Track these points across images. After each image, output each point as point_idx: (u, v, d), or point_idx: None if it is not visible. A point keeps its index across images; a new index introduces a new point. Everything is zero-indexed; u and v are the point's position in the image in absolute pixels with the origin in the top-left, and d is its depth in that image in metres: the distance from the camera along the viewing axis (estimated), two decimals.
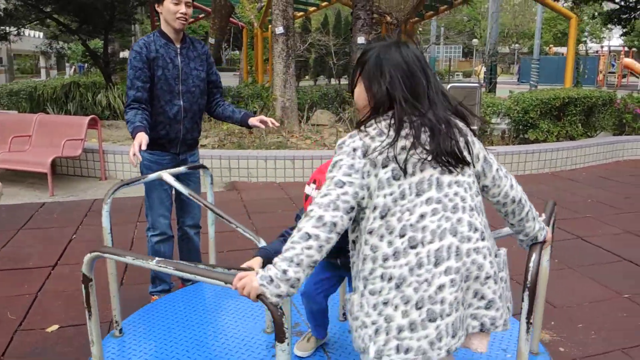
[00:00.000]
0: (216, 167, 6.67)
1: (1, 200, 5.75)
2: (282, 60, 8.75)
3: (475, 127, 1.70)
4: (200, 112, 3.11)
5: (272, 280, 1.37)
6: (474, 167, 1.55)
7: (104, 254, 1.92)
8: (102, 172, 6.81)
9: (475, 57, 43.21)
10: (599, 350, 2.76)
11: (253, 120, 3.02)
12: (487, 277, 1.49)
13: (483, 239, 1.50)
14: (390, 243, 1.43)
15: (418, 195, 1.45)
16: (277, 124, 3.04)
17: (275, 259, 1.40)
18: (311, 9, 17.21)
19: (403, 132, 1.46)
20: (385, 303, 1.43)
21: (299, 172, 6.66)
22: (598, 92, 8.34)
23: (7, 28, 11.72)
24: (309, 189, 2.02)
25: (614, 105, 8.59)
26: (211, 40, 10.90)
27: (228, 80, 16.91)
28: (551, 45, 38.22)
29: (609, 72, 30.28)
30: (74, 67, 30.96)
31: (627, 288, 3.53)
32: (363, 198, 1.46)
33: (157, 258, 1.67)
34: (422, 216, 1.44)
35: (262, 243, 2.50)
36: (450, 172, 1.49)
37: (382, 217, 1.44)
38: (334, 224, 1.40)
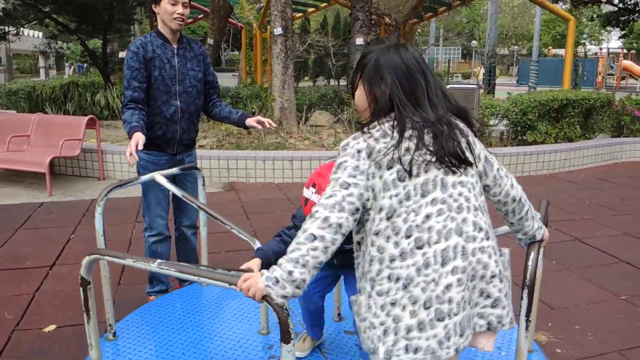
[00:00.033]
0: (214, 168, 6.67)
1: None
2: (281, 61, 8.75)
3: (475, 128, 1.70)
4: (197, 112, 3.11)
5: (277, 282, 1.37)
6: (476, 167, 1.57)
7: (103, 257, 1.89)
8: (101, 172, 6.81)
9: (474, 59, 43.25)
10: (595, 352, 2.77)
11: (250, 121, 3.03)
12: (493, 276, 1.51)
13: (488, 238, 1.51)
14: (396, 244, 1.44)
15: (423, 196, 1.46)
16: (275, 125, 3.05)
17: (281, 260, 1.40)
18: (310, 10, 17.22)
19: (406, 134, 1.47)
20: (393, 303, 1.44)
21: (298, 173, 6.66)
22: (596, 94, 8.35)
23: (6, 28, 11.71)
24: (308, 193, 2.02)
25: (612, 107, 8.60)
26: (210, 41, 10.90)
27: (227, 80, 16.91)
28: (550, 47, 38.26)
29: (608, 74, 30.32)
30: (73, 67, 30.93)
31: (624, 290, 3.54)
32: (368, 199, 1.46)
33: (158, 260, 1.66)
34: (427, 217, 1.45)
35: (257, 244, 2.50)
36: (454, 172, 1.50)
37: (388, 219, 1.45)
38: (340, 225, 1.40)
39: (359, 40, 9.74)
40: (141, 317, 2.88)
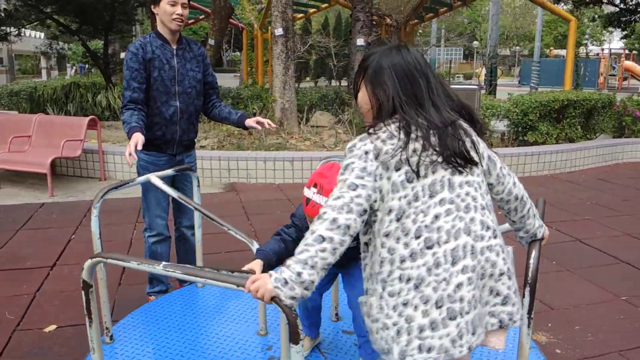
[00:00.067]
0: (215, 168, 6.67)
1: None
2: (282, 62, 8.76)
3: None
4: (197, 113, 3.11)
5: (286, 283, 1.37)
6: (481, 166, 1.58)
7: (106, 260, 1.85)
8: (102, 173, 6.82)
9: (475, 59, 43.24)
10: (595, 353, 2.77)
11: (250, 121, 3.03)
12: (501, 274, 1.53)
13: (495, 237, 1.53)
14: (406, 245, 1.45)
15: (431, 196, 1.47)
16: (274, 125, 3.05)
17: (289, 261, 1.40)
18: (311, 10, 17.23)
19: (413, 135, 1.47)
20: (405, 304, 1.44)
21: (298, 174, 6.66)
22: (597, 95, 8.35)
23: (8, 28, 11.73)
24: (310, 193, 2.02)
25: (613, 108, 8.60)
26: (211, 42, 10.91)
27: (229, 81, 16.92)
28: (552, 48, 38.24)
29: (610, 75, 30.28)
30: (74, 67, 30.99)
31: (624, 290, 3.53)
32: (375, 201, 1.47)
33: (163, 263, 1.65)
34: (436, 217, 1.46)
35: (255, 244, 2.50)
36: (460, 172, 1.51)
37: (397, 220, 1.46)
38: (348, 227, 1.40)
39: (360, 41, 9.75)
40: (140, 318, 2.88)
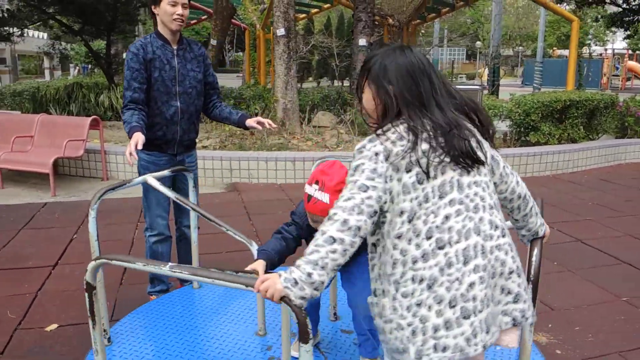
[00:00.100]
0: (217, 168, 6.68)
1: (1, 200, 5.78)
2: (284, 62, 8.76)
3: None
4: (197, 113, 3.12)
5: (296, 283, 1.38)
6: (487, 165, 1.59)
7: (110, 261, 1.82)
8: (104, 173, 6.84)
9: (478, 60, 43.18)
10: (595, 353, 2.76)
11: (250, 122, 3.04)
12: (511, 272, 1.54)
13: (503, 236, 1.54)
14: (417, 245, 1.46)
15: (441, 197, 1.48)
16: (275, 125, 3.06)
17: (299, 262, 1.41)
18: (313, 10, 17.23)
19: (421, 136, 1.48)
20: (418, 304, 1.45)
21: (300, 174, 6.67)
22: (600, 95, 8.33)
23: (10, 29, 11.77)
24: (311, 190, 2.02)
25: (616, 108, 8.58)
26: (213, 42, 10.92)
27: (231, 81, 16.93)
28: (555, 48, 38.17)
29: (613, 75, 30.20)
30: (77, 67, 31.06)
31: (626, 291, 3.53)
32: (385, 202, 1.48)
33: (170, 263, 1.64)
34: (446, 217, 1.47)
35: (254, 245, 2.51)
36: (468, 172, 1.52)
37: (409, 221, 1.47)
38: (359, 228, 1.41)
39: (362, 41, 9.75)
40: (139, 318, 2.89)
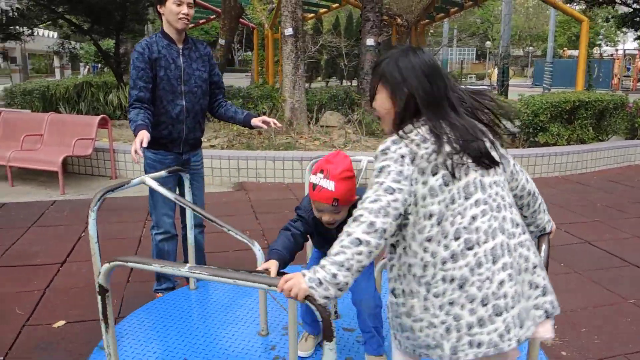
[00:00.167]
0: (225, 168, 6.71)
1: (10, 198, 5.84)
2: (291, 62, 8.78)
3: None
4: (203, 112, 3.14)
5: (321, 283, 1.39)
6: (501, 164, 1.60)
7: (126, 263, 1.77)
8: (113, 171, 6.88)
9: (488, 60, 43.00)
10: (600, 355, 2.75)
11: (255, 121, 3.05)
12: (535, 267, 1.57)
13: (524, 233, 1.58)
14: (446, 247, 1.48)
15: (467, 198, 1.49)
16: (280, 125, 3.07)
17: (323, 262, 1.42)
18: (322, 10, 17.23)
19: (444, 138, 1.49)
20: (451, 303, 1.47)
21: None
22: (609, 96, 8.27)
23: (20, 28, 11.86)
24: (316, 179, 2.05)
25: (625, 109, 8.52)
26: (221, 42, 10.95)
27: (240, 81, 16.98)
28: (565, 48, 37.92)
29: (624, 76, 29.98)
30: (87, 66, 31.25)
31: (633, 293, 3.51)
32: (410, 205, 1.49)
33: (188, 264, 1.64)
34: (473, 218, 1.48)
35: (256, 245, 2.52)
36: (489, 173, 1.54)
37: (438, 224, 1.49)
38: (384, 230, 1.42)
39: (370, 41, 9.74)
40: (144, 316, 2.90)
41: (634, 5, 13.60)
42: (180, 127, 3.01)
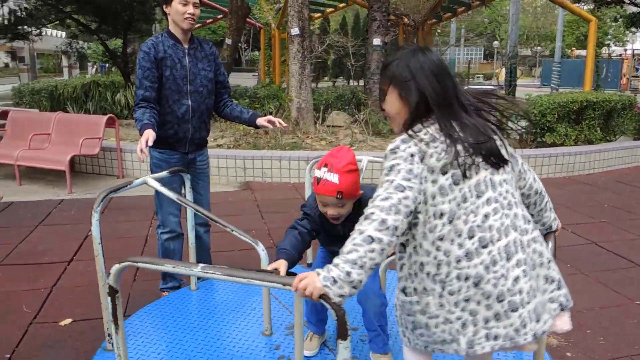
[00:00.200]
0: (231, 167, 6.73)
1: (18, 197, 5.88)
2: (298, 62, 8.78)
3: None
4: (208, 111, 3.15)
5: (335, 282, 1.40)
6: (510, 163, 1.61)
7: (137, 264, 1.75)
8: (120, 171, 6.92)
9: (496, 60, 42.83)
10: (605, 357, 2.74)
11: (261, 120, 3.06)
12: (549, 261, 1.60)
13: (535, 229, 1.60)
14: (460, 245, 1.49)
15: (478, 196, 1.51)
16: (285, 124, 3.08)
17: (337, 260, 1.43)
18: (329, 10, 17.23)
19: (454, 136, 1.51)
20: (467, 300, 1.49)
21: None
22: (617, 96, 8.21)
23: (28, 28, 11.93)
24: (320, 173, 2.07)
25: (634, 110, 8.46)
26: (228, 41, 10.97)
27: (247, 80, 17.01)
28: (573, 48, 37.70)
29: (633, 76, 29.77)
30: (95, 66, 31.41)
31: (639, 294, 3.49)
32: (419, 203, 1.50)
33: (201, 264, 1.65)
34: (486, 216, 1.50)
35: (260, 245, 2.53)
36: (498, 171, 1.56)
37: (450, 222, 1.50)
38: (396, 228, 1.43)
39: (376, 41, 9.73)
40: (149, 315, 2.92)
41: None
42: (186, 127, 3.02)
